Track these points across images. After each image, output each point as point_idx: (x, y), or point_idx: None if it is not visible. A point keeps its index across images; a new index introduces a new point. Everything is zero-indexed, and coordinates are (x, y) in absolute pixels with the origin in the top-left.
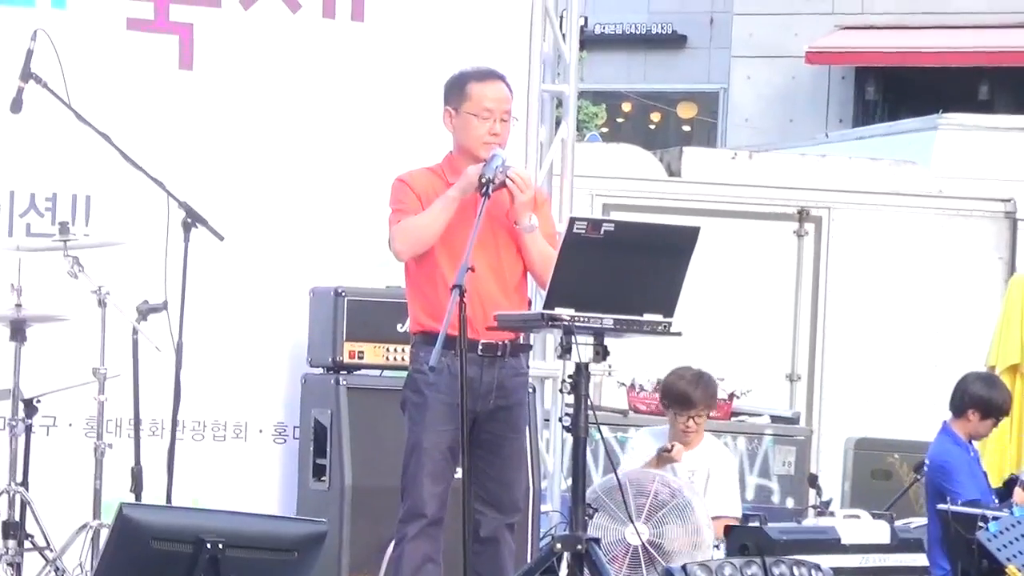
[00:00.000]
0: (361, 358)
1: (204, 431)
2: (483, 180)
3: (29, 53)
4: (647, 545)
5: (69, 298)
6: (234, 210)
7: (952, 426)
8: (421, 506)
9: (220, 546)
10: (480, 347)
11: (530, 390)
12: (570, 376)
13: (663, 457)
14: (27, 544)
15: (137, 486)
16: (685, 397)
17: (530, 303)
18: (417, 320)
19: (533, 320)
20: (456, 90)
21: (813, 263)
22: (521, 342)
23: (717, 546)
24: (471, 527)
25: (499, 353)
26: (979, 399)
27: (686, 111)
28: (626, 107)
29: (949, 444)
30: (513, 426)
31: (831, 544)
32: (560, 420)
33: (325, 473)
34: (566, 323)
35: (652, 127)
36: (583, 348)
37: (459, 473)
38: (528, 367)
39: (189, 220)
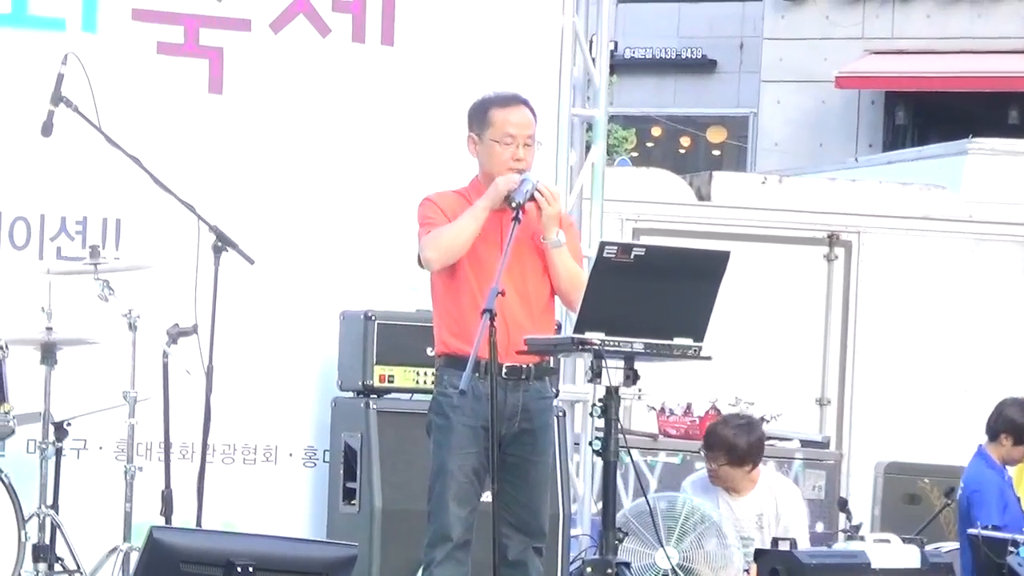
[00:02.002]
0: (391, 382)
1: (234, 454)
2: (513, 205)
3: (60, 77)
4: (677, 569)
5: (99, 321)
6: (264, 234)
7: (987, 449)
8: (447, 529)
9: (250, 569)
10: (504, 370)
11: (560, 414)
12: (600, 400)
13: None
14: (57, 567)
15: (167, 509)
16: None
17: (559, 327)
18: (443, 341)
19: (563, 344)
20: (479, 116)
21: (843, 287)
22: (546, 365)
23: (747, 570)
24: (499, 550)
25: (523, 376)
26: (1012, 424)
27: (716, 135)
28: (656, 131)
29: (983, 467)
30: (538, 449)
31: (861, 568)
32: (590, 444)
33: (355, 496)
34: (596, 347)
35: (682, 151)
36: (613, 372)
37: (486, 496)
38: (552, 391)
39: (219, 243)
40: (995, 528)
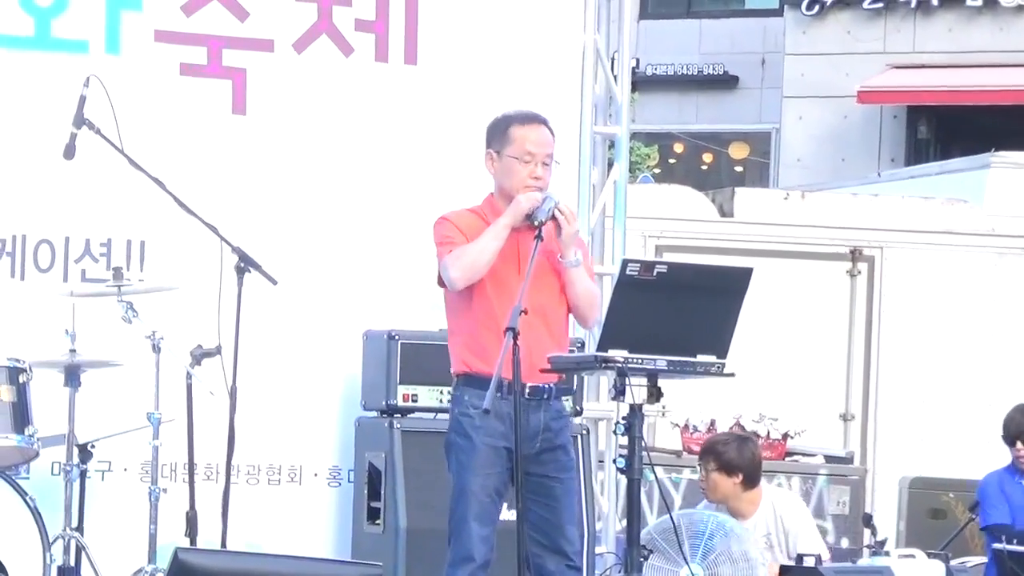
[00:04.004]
0: (415, 401)
1: (259, 475)
2: (536, 224)
3: (82, 99)
4: None
5: (123, 343)
6: (287, 254)
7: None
8: (470, 549)
9: None
10: (528, 390)
11: (584, 431)
12: (624, 417)
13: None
14: None
15: (192, 530)
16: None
17: (583, 344)
18: (463, 361)
19: (587, 362)
20: (498, 133)
21: (866, 303)
22: (565, 385)
23: None
24: (534, 571)
25: (545, 396)
26: (1004, 427)
27: (738, 151)
28: (678, 148)
29: (999, 471)
30: (561, 467)
31: None
32: (614, 461)
33: (379, 516)
34: (620, 365)
35: (704, 168)
36: (637, 389)
37: (507, 515)
38: (568, 410)
39: (242, 264)
40: (1001, 526)
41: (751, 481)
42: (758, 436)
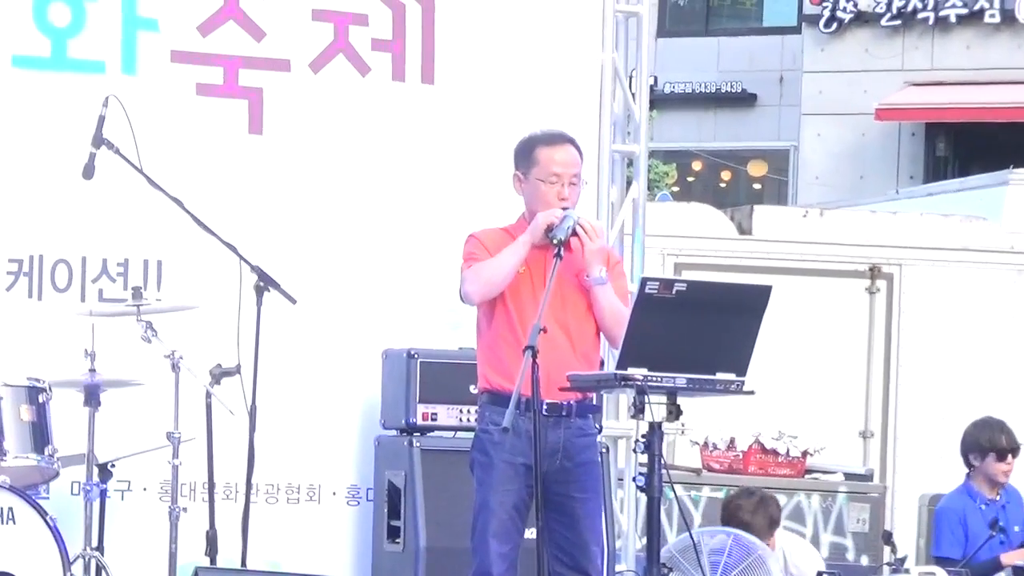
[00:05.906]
0: (434, 420)
1: (278, 494)
2: (555, 242)
3: (101, 119)
4: None
5: (142, 363)
6: (306, 273)
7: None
8: (488, 566)
9: None
10: (545, 407)
11: (603, 450)
12: (643, 435)
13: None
14: None
15: (212, 550)
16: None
17: (602, 363)
18: (485, 377)
19: (606, 380)
20: (524, 155)
21: (885, 320)
22: (588, 403)
23: None
24: None
25: (564, 413)
26: (988, 442)
27: (756, 169)
28: (696, 166)
29: (958, 496)
30: (581, 487)
31: None
32: (634, 479)
33: (399, 535)
34: (639, 383)
35: (723, 185)
36: (656, 407)
37: (530, 533)
38: (596, 428)
39: (261, 284)
40: (949, 560)
41: (768, 534)
42: (777, 453)
